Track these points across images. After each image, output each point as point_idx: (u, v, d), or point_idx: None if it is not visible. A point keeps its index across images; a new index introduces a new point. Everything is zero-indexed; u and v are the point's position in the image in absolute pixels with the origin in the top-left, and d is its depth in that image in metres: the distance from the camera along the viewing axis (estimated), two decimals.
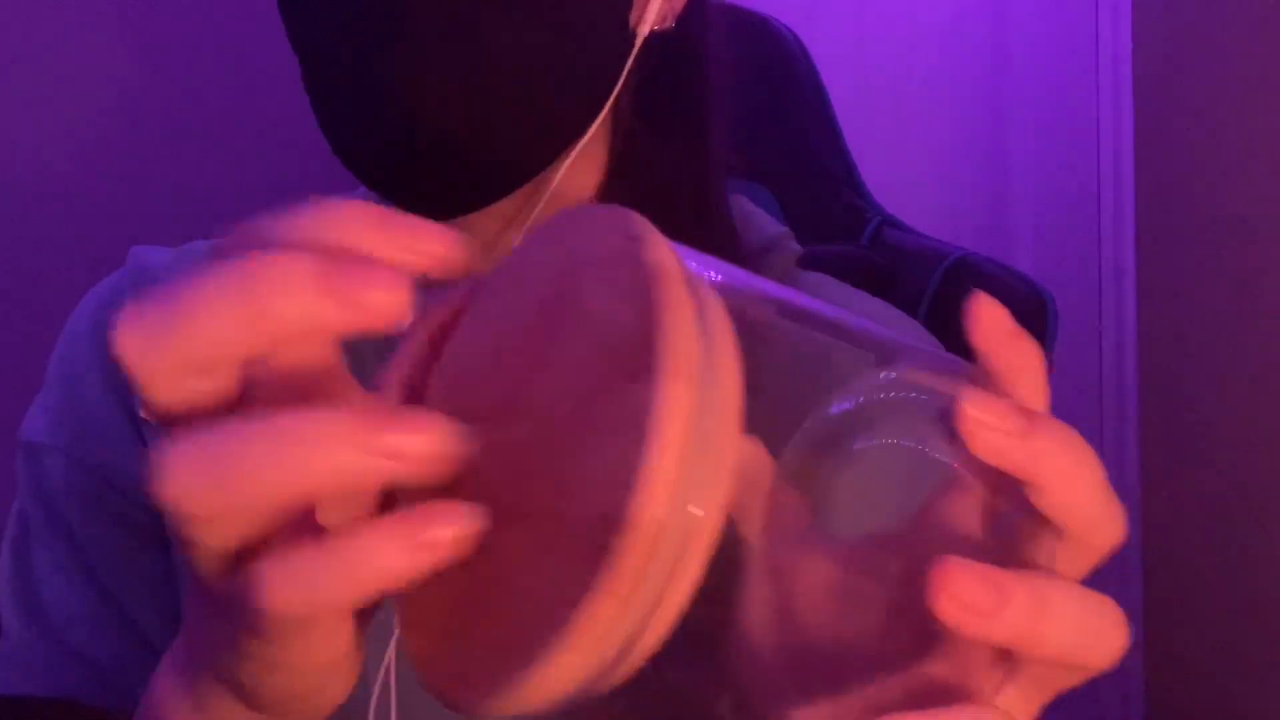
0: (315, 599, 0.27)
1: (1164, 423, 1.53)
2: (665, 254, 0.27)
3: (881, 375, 0.32)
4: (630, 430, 0.25)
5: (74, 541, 0.63)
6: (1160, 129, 1.55)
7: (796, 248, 0.64)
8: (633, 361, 0.26)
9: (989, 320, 0.32)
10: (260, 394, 0.29)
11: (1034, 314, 0.77)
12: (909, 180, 1.68)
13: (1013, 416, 0.30)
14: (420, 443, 0.26)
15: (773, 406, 0.31)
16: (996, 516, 0.31)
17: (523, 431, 0.28)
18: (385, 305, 0.27)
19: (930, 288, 0.80)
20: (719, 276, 0.31)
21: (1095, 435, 1.71)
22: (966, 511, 0.32)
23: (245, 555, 0.29)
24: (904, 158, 1.71)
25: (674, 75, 0.58)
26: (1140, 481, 1.62)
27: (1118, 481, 1.71)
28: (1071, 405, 1.68)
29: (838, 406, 0.32)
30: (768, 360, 0.31)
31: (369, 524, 0.27)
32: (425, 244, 0.29)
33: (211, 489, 0.27)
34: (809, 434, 0.32)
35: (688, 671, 0.32)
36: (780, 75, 0.93)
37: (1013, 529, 0.31)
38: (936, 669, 0.30)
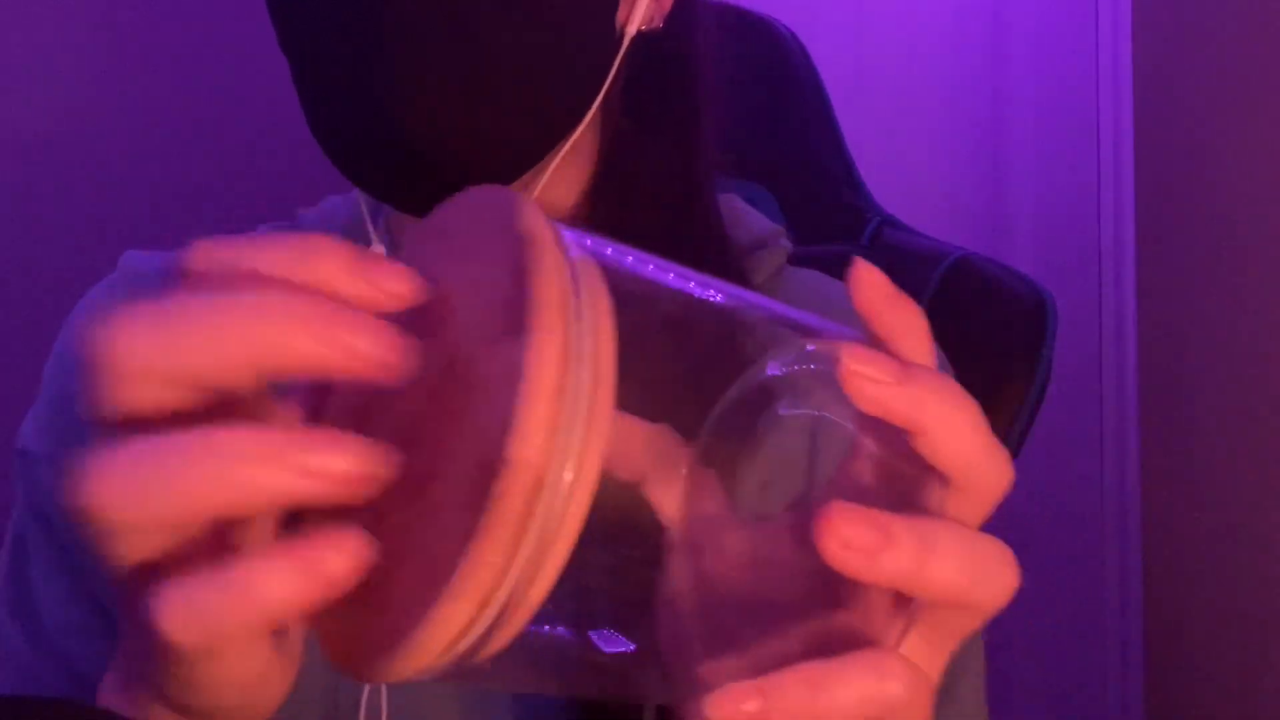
0: (212, 630, 0.28)
1: (1164, 423, 1.53)
2: (537, 222, 0.29)
3: (790, 353, 0.33)
4: (505, 383, 0.27)
5: (65, 550, 0.62)
6: (1160, 129, 1.55)
7: (787, 244, 0.64)
8: (508, 321, 0.27)
9: (868, 285, 0.34)
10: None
11: (1034, 314, 0.77)
12: (909, 180, 1.68)
13: (888, 366, 0.31)
14: (343, 463, 0.27)
15: (687, 387, 0.33)
16: (892, 472, 0.33)
17: (417, 402, 0.29)
18: (377, 356, 0.28)
19: (930, 288, 0.80)
20: (627, 258, 0.33)
21: (1095, 435, 1.71)
22: (866, 470, 0.33)
23: (152, 572, 0.29)
24: (904, 158, 1.71)
25: (662, 75, 0.58)
26: (1140, 481, 1.62)
27: (1118, 481, 1.71)
28: (1071, 405, 1.68)
29: (749, 384, 0.33)
30: (682, 343, 0.33)
31: (265, 555, 0.27)
32: (389, 284, 0.30)
33: (137, 498, 0.27)
34: (723, 412, 0.33)
35: (618, 648, 0.33)
36: (780, 75, 0.93)
37: (906, 481, 0.33)
38: (840, 621, 0.32)
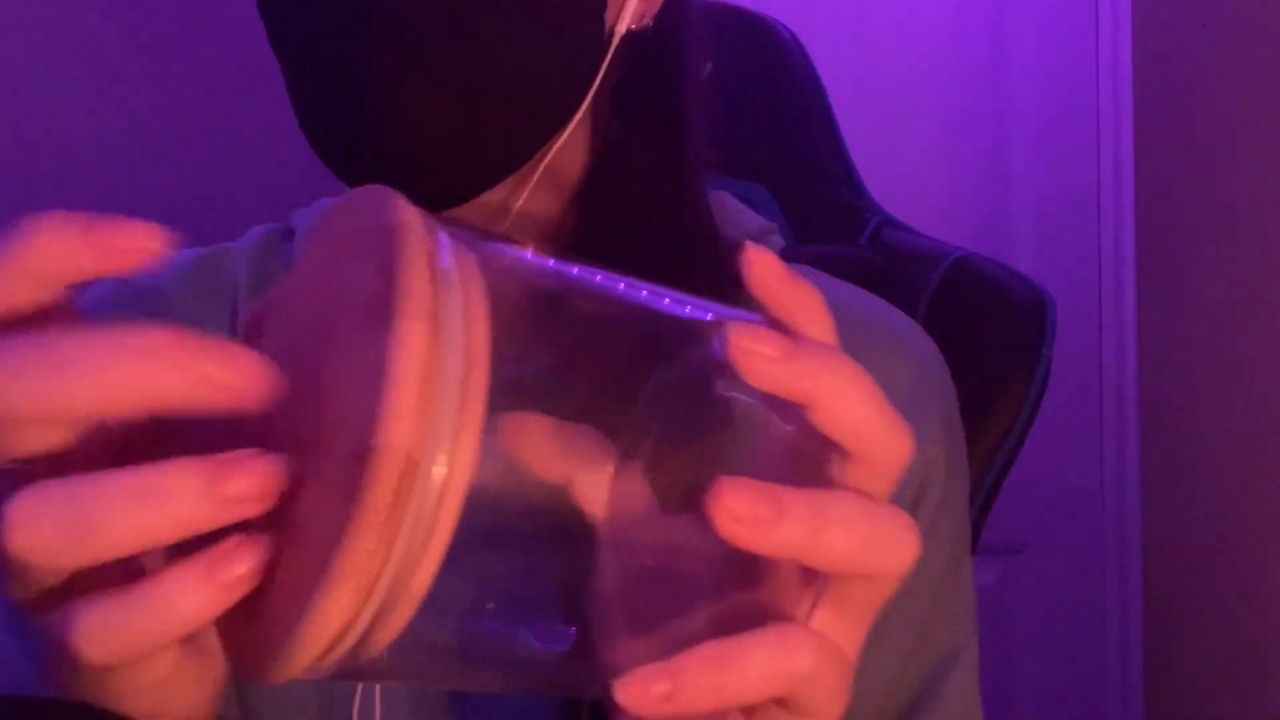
0: (129, 648, 0.29)
1: (1164, 423, 1.53)
2: (403, 215, 0.29)
3: (703, 344, 0.34)
4: (373, 372, 0.27)
5: None
6: (1160, 129, 1.55)
7: (779, 241, 0.64)
8: (380, 312, 0.28)
9: (760, 269, 0.34)
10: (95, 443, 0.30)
11: (1034, 314, 0.77)
12: (909, 180, 1.68)
13: (775, 342, 0.31)
14: (255, 485, 0.28)
15: (608, 386, 0.34)
16: (798, 449, 0.33)
17: (307, 404, 0.30)
18: (239, 384, 0.29)
19: (929, 288, 0.79)
20: (527, 256, 0.33)
21: (1095, 435, 1.71)
22: (775, 449, 0.34)
23: (64, 592, 0.29)
24: (904, 158, 1.71)
25: (652, 73, 0.58)
26: (1140, 481, 1.63)
27: (1118, 481, 1.71)
28: (1071, 405, 1.68)
29: (666, 378, 0.34)
30: (598, 341, 0.33)
31: (173, 571, 0.28)
32: (129, 240, 0.30)
33: (63, 542, 0.28)
34: (645, 408, 0.34)
35: (553, 644, 0.34)
36: (780, 75, 0.93)
37: (810, 457, 0.33)
38: (752, 599, 0.32)
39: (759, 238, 0.63)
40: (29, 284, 0.30)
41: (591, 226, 0.57)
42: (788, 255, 0.66)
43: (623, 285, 0.34)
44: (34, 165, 1.26)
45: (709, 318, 0.33)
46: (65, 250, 0.30)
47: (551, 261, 0.34)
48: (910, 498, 0.56)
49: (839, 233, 0.89)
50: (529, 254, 0.33)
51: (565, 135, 0.54)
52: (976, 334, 0.77)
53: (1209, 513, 1.37)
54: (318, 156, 0.51)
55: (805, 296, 0.34)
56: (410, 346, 0.27)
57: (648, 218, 0.58)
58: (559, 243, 0.58)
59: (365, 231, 0.30)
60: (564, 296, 0.33)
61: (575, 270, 0.33)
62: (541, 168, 0.54)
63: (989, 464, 0.75)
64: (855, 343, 0.60)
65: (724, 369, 0.31)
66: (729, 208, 0.65)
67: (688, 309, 0.34)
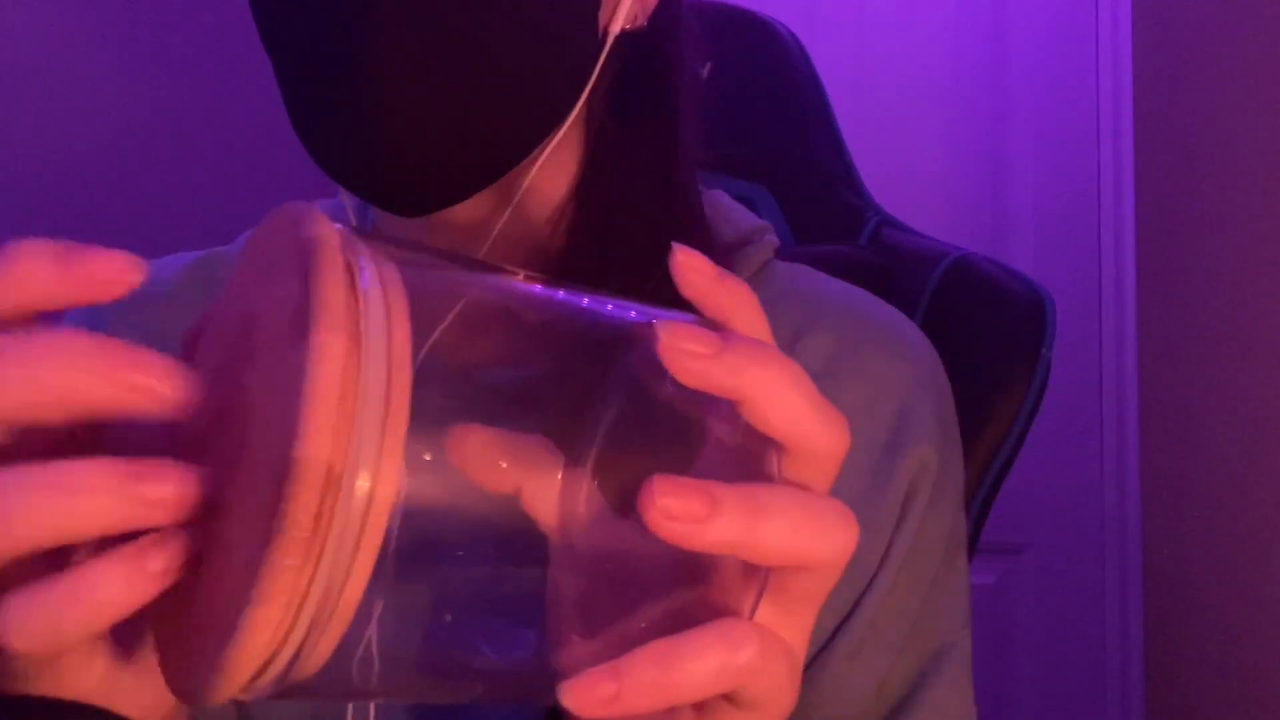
0: (57, 635, 0.29)
1: (1164, 423, 1.53)
2: (320, 229, 0.29)
3: (640, 347, 0.34)
4: (293, 386, 0.27)
5: None
6: (1160, 129, 1.55)
7: (774, 240, 0.64)
8: (299, 326, 0.28)
9: (690, 270, 0.34)
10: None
11: (1034, 314, 0.77)
12: (909, 180, 1.68)
13: (704, 339, 0.31)
14: (170, 491, 0.29)
15: (551, 393, 0.34)
16: (737, 445, 0.33)
17: (237, 418, 0.30)
18: (163, 392, 0.29)
19: (929, 288, 0.79)
20: (465, 269, 0.34)
21: (1095, 435, 1.71)
22: (715, 446, 0.34)
23: None
24: (904, 158, 1.71)
25: (645, 74, 0.58)
26: (1140, 482, 1.63)
27: (1118, 482, 1.71)
28: (1071, 405, 1.68)
29: (610, 384, 0.34)
30: (538, 350, 0.34)
31: (97, 561, 0.29)
32: (102, 271, 0.31)
33: None
34: (592, 415, 0.34)
35: (511, 654, 0.34)
36: (780, 75, 0.93)
37: (749, 453, 0.33)
38: (697, 597, 0.33)
39: (753, 237, 0.63)
40: None
41: (584, 225, 0.57)
42: (786, 255, 0.66)
43: (562, 294, 0.34)
44: (31, 168, 1.26)
45: (649, 320, 0.33)
46: (39, 281, 0.31)
47: (491, 274, 0.34)
48: (901, 495, 0.56)
49: (839, 233, 0.89)
50: (469, 266, 0.33)
51: (559, 136, 0.54)
52: (976, 334, 0.76)
53: (1209, 513, 1.37)
54: (311, 159, 0.52)
55: (735, 294, 0.34)
56: (327, 358, 0.27)
57: (640, 217, 0.58)
58: (552, 241, 0.58)
59: (286, 248, 0.30)
60: (504, 307, 0.33)
61: (516, 281, 0.33)
62: (536, 168, 0.54)
63: (989, 464, 0.75)
64: (851, 340, 0.60)
65: (663, 370, 0.32)
66: (723, 206, 0.65)
67: (631, 314, 0.34)
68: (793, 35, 0.95)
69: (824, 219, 0.90)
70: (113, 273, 0.31)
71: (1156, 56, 1.57)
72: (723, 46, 0.78)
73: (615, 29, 0.54)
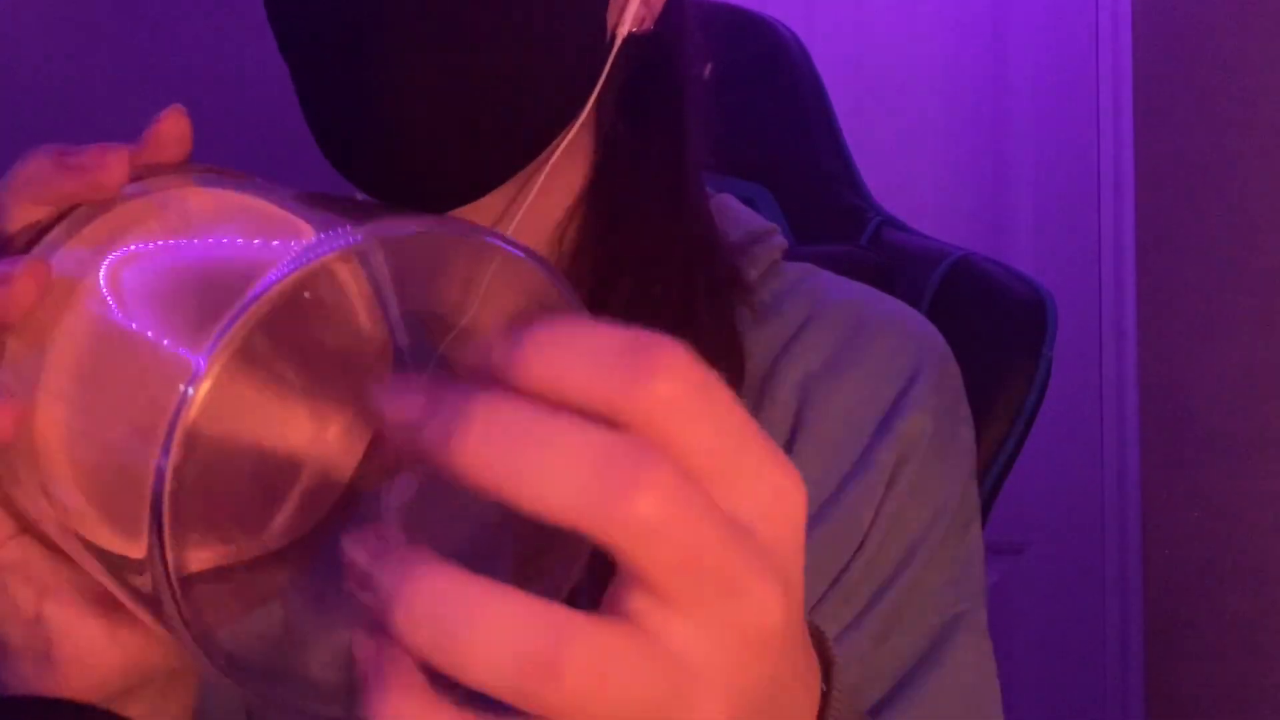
0: None
1: (1164, 422, 1.53)
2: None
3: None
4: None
5: None
6: (1160, 129, 1.55)
7: (782, 241, 0.64)
8: None
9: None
10: None
11: (1034, 314, 0.77)
12: (909, 180, 1.68)
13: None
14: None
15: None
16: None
17: None
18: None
19: (930, 288, 0.80)
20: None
21: (1095, 435, 1.71)
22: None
23: None
24: (904, 158, 1.71)
25: (653, 76, 0.59)
26: (1140, 481, 1.63)
27: (1118, 482, 1.71)
28: (1071, 405, 1.68)
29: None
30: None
31: None
32: (97, 168, 0.37)
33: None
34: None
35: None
36: (780, 75, 0.93)
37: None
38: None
39: (761, 238, 0.64)
40: (21, 205, 0.38)
41: (595, 226, 0.58)
42: (790, 255, 0.66)
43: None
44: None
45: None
46: (46, 173, 0.37)
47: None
48: (891, 459, 0.57)
49: (839, 233, 0.90)
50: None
51: (568, 138, 0.54)
52: (977, 334, 0.77)
53: (1209, 512, 1.37)
54: (326, 160, 0.52)
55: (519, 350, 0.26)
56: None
57: (649, 219, 0.58)
58: (562, 242, 0.58)
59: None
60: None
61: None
62: (546, 170, 0.55)
63: (989, 464, 0.75)
64: (856, 334, 0.60)
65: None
66: (731, 208, 0.65)
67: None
68: (794, 35, 0.95)
69: (824, 219, 0.90)
70: (96, 164, 0.36)
71: (1157, 57, 1.57)
72: (724, 47, 0.79)
73: (623, 32, 0.55)
